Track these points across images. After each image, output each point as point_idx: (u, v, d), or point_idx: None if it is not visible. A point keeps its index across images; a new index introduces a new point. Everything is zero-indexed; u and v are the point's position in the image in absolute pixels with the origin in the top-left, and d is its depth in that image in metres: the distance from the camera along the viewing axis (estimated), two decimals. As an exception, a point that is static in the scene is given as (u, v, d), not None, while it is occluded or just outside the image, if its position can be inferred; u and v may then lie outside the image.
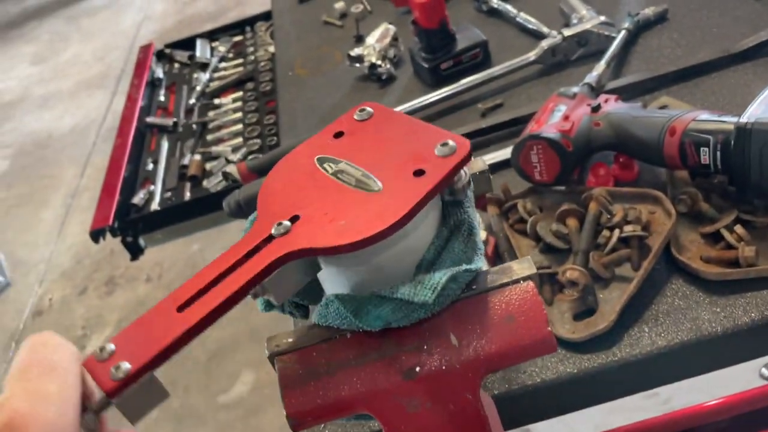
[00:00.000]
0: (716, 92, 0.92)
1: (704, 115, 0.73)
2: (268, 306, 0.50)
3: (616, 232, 0.73)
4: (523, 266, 0.46)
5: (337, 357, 0.45)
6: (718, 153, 0.70)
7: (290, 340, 0.46)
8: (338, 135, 0.48)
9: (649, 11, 1.07)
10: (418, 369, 0.43)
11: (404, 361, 0.44)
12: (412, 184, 0.43)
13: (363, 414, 0.45)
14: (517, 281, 0.45)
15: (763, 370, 0.70)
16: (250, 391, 2.06)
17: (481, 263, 0.45)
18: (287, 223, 0.42)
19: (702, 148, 0.72)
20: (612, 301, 0.70)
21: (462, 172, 0.46)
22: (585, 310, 0.71)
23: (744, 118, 0.68)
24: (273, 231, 0.42)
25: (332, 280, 0.46)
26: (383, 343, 0.44)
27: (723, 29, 1.01)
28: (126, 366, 0.37)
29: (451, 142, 0.44)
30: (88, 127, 3.45)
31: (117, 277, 2.60)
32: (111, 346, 0.38)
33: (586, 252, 0.73)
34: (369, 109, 0.49)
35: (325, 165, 0.46)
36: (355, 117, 0.49)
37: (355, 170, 0.45)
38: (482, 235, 0.64)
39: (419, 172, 0.44)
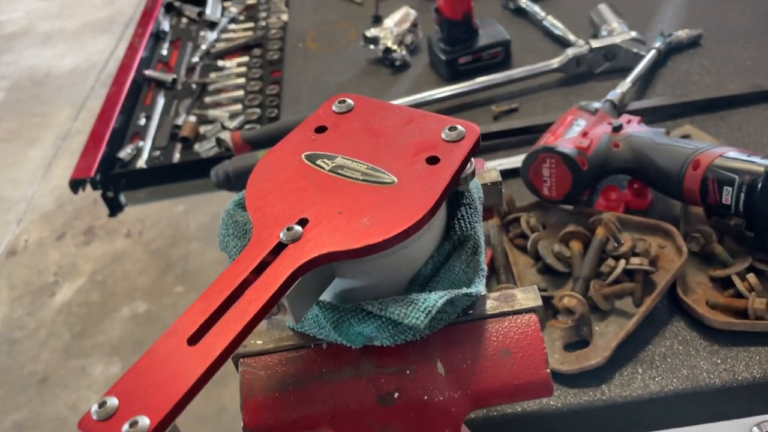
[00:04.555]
0: (742, 128, 0.87)
1: (733, 153, 0.68)
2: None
3: (622, 262, 0.69)
4: (527, 296, 0.41)
5: (308, 368, 0.40)
6: (743, 194, 0.66)
7: (259, 342, 0.41)
8: (320, 130, 0.43)
9: (682, 33, 1.02)
10: (396, 395, 0.39)
11: (383, 384, 0.39)
12: (429, 171, 0.39)
13: None
14: (519, 312, 0.41)
15: (755, 429, 0.66)
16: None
17: (481, 287, 0.41)
18: (297, 227, 0.36)
19: (725, 187, 0.67)
20: (608, 335, 0.66)
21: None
22: (577, 341, 0.67)
23: (776, 162, 0.63)
24: (282, 237, 0.36)
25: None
26: (362, 360, 0.40)
27: (757, 64, 0.97)
28: (145, 422, 0.30)
29: (459, 127, 0.41)
30: (88, 70, 3.36)
31: (97, 227, 2.54)
32: (113, 400, 0.31)
33: (587, 279, 0.69)
34: (349, 100, 0.45)
35: (319, 162, 0.40)
36: (334, 109, 0.44)
37: (357, 164, 0.40)
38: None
39: (433, 159, 0.39)
